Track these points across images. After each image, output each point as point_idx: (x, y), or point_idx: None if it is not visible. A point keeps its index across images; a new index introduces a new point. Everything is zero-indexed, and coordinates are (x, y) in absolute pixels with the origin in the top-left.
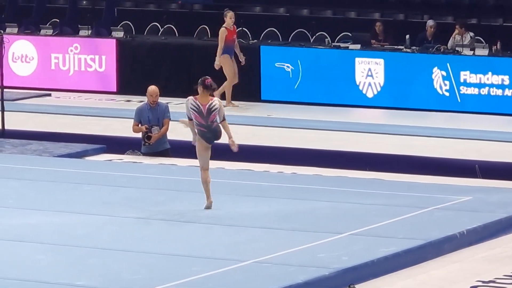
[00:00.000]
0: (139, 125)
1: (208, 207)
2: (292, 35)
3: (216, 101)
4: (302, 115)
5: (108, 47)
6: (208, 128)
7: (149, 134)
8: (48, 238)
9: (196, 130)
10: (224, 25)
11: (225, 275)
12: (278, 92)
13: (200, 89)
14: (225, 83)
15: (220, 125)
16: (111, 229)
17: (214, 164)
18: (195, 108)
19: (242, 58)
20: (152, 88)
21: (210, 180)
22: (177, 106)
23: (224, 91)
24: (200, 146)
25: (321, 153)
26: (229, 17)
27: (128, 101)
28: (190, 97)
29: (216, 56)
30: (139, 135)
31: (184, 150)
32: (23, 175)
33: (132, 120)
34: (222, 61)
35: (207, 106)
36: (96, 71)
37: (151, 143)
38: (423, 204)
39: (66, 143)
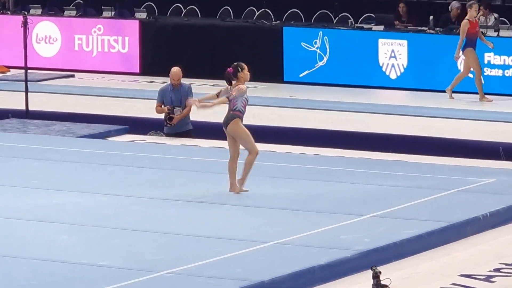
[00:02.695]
0: (162, 106)
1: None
2: (315, 16)
3: (236, 88)
4: (324, 96)
5: (131, 28)
6: (227, 114)
7: (171, 115)
8: (72, 218)
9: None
10: (466, 17)
11: (247, 256)
12: (301, 73)
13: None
14: (475, 77)
15: (235, 114)
16: (134, 210)
17: None
18: (228, 92)
19: (490, 45)
20: (175, 70)
21: (235, 169)
22: (200, 87)
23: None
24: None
25: (344, 135)
26: (474, 9)
27: (151, 82)
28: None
29: (457, 48)
30: (162, 116)
31: (206, 131)
32: (47, 155)
33: (155, 101)
34: (466, 55)
35: (230, 94)
36: (119, 52)
37: (173, 124)
38: (446, 186)
39: (88, 124)
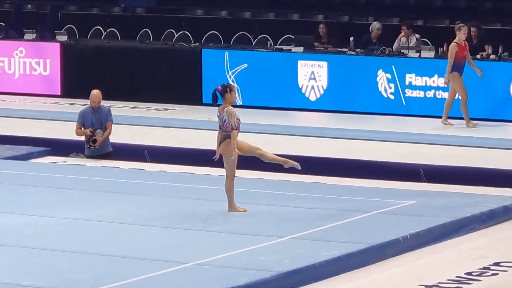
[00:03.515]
0: (82, 128)
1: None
2: (234, 38)
3: (225, 112)
4: (243, 118)
5: (52, 50)
6: (219, 136)
7: (94, 137)
8: None
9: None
10: (455, 40)
11: (166, 277)
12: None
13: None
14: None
15: (229, 135)
16: (56, 230)
17: (156, 167)
18: (218, 116)
19: (479, 72)
20: (95, 93)
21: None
22: (120, 109)
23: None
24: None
25: None
26: (463, 32)
27: (72, 104)
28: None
29: (446, 72)
30: (83, 138)
31: (126, 152)
32: None
33: (76, 123)
34: (452, 79)
35: (220, 115)
36: (41, 74)
37: (97, 146)
38: (366, 208)
39: (11, 145)
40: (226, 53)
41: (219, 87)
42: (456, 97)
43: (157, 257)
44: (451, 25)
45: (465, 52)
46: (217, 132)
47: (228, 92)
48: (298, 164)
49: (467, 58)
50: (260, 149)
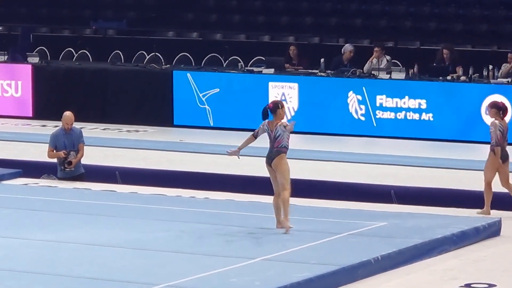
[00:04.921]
0: (54, 151)
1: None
2: (205, 59)
3: (279, 128)
4: (214, 140)
5: (24, 72)
6: (270, 151)
7: (69, 159)
8: None
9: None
10: None
11: None
12: (191, 116)
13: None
14: None
15: (281, 151)
16: (27, 252)
17: (127, 189)
18: (267, 131)
19: None
20: (68, 115)
21: (280, 205)
22: (91, 131)
23: None
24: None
25: (234, 178)
26: None
27: (44, 126)
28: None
29: None
30: (55, 160)
31: (97, 174)
32: None
33: (48, 144)
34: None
35: (273, 132)
36: (12, 96)
37: (72, 167)
38: (337, 230)
39: None
40: (193, 74)
41: (270, 104)
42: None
43: (129, 279)
44: (421, 47)
45: None
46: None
47: (280, 108)
48: (288, 229)
49: None
50: (286, 189)
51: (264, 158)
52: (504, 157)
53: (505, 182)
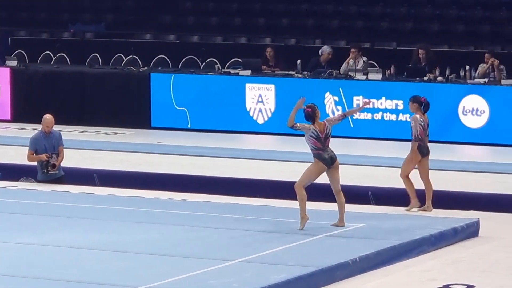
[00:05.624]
0: (35, 154)
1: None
2: (182, 62)
3: (327, 125)
4: (192, 141)
5: (2, 75)
6: (326, 152)
7: (52, 162)
8: None
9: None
10: None
11: None
12: (169, 118)
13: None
14: None
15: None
16: (6, 255)
17: (105, 191)
18: (314, 136)
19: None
20: (48, 117)
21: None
22: (69, 133)
23: None
24: (314, 167)
25: (211, 180)
26: None
27: (22, 129)
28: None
29: None
30: (34, 162)
31: (75, 177)
32: None
33: (27, 147)
34: None
35: (324, 132)
36: None
37: (56, 170)
38: (315, 231)
39: None
40: (171, 76)
41: (308, 109)
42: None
43: (107, 281)
44: (398, 48)
45: None
46: None
47: (317, 109)
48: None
49: None
50: (301, 187)
51: (246, 160)
52: (425, 151)
53: (425, 177)
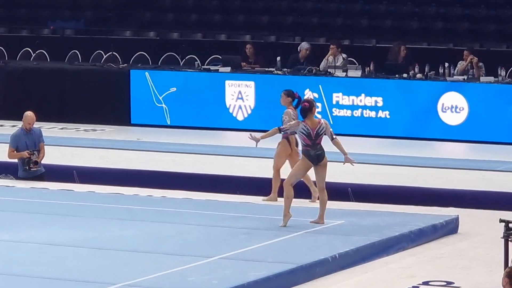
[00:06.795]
0: (15, 151)
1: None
2: (162, 58)
3: (323, 123)
4: (171, 138)
5: None
6: (314, 149)
7: (34, 159)
8: None
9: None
10: None
11: None
12: (148, 115)
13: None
14: None
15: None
16: None
17: (85, 188)
18: (304, 132)
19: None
20: (30, 114)
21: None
22: (49, 130)
23: None
24: (302, 164)
25: (191, 177)
26: None
27: (1, 126)
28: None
29: None
30: (15, 160)
31: (55, 173)
32: None
33: (6, 144)
34: None
35: (315, 129)
36: None
37: (38, 167)
38: (295, 228)
39: None
40: (150, 73)
41: (306, 103)
42: None
43: (87, 278)
44: (377, 45)
45: None
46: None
47: (314, 105)
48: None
49: None
50: (289, 184)
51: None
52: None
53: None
